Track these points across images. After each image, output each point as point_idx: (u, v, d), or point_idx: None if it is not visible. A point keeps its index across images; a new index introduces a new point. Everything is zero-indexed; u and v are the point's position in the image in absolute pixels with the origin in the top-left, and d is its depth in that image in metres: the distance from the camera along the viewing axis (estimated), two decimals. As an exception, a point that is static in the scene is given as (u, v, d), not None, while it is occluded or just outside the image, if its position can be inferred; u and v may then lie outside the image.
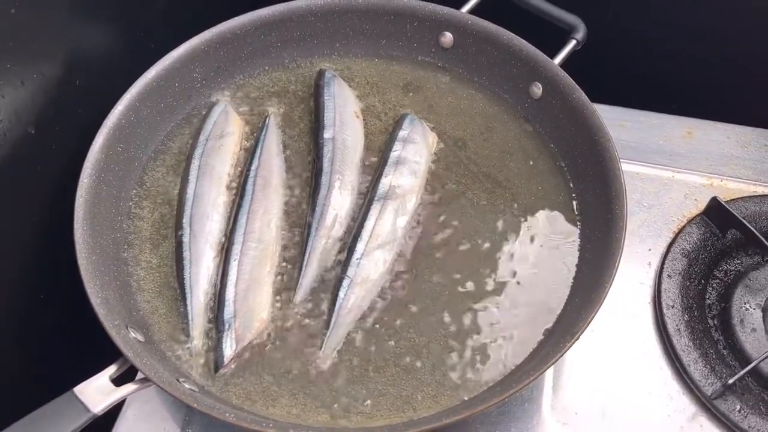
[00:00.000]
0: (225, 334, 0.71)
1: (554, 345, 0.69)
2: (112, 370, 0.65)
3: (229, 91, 0.91)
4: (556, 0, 0.93)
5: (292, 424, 0.67)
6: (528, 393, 0.78)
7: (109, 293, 0.71)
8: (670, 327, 0.81)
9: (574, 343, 0.66)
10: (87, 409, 0.62)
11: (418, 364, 0.72)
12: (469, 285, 0.76)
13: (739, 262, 0.88)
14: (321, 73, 0.92)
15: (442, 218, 0.81)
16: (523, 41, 0.87)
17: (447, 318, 0.74)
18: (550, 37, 0.90)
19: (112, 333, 0.65)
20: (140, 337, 0.70)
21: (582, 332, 0.66)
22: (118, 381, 0.66)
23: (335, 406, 0.69)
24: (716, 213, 0.88)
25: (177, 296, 0.75)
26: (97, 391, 0.63)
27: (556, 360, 0.66)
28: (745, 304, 0.83)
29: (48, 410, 0.61)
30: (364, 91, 0.92)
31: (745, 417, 0.75)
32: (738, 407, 0.76)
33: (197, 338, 0.72)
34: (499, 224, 0.81)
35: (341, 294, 0.74)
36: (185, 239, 0.77)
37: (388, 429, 0.66)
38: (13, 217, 0.75)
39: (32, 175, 0.76)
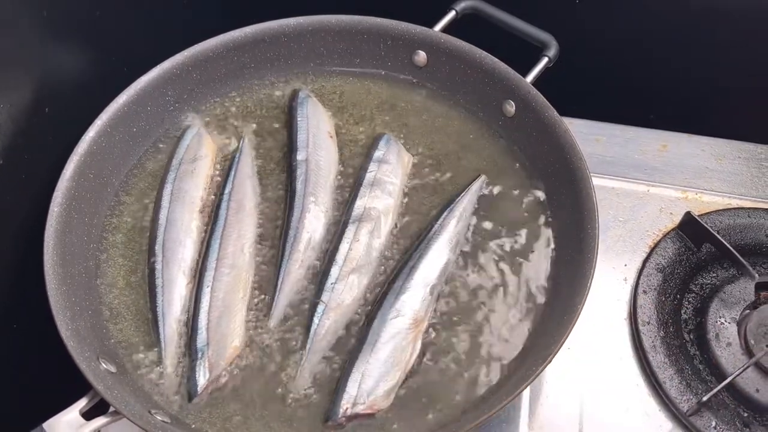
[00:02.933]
0: (198, 362, 0.71)
1: (527, 368, 0.69)
2: (82, 403, 0.65)
3: (203, 114, 0.91)
4: (529, 18, 0.93)
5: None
6: (505, 413, 0.78)
7: (80, 324, 0.70)
8: (646, 343, 0.82)
9: (546, 365, 0.66)
10: (56, 445, 0.61)
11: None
12: (443, 307, 0.76)
13: (714, 275, 0.88)
14: (295, 94, 0.91)
15: (417, 240, 0.81)
16: (496, 59, 0.88)
17: (420, 340, 0.73)
18: (523, 54, 0.90)
19: (83, 366, 0.65)
20: (112, 368, 0.69)
21: (554, 355, 0.66)
22: (90, 413, 0.65)
23: (310, 433, 0.69)
24: (690, 227, 0.89)
25: (150, 324, 0.74)
26: (67, 426, 0.63)
27: (529, 383, 0.66)
28: (720, 318, 0.83)
29: (16, 447, 0.60)
30: (338, 111, 0.92)
31: (721, 433, 0.76)
32: (713, 423, 0.76)
33: (170, 367, 0.72)
34: (473, 243, 0.81)
35: (316, 320, 0.73)
36: (158, 266, 0.77)
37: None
38: (-18, 248, 0.74)
39: (1, 206, 0.75)
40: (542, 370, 0.67)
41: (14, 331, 0.79)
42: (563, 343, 0.68)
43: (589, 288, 0.70)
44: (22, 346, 0.80)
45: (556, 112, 0.83)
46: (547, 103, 0.84)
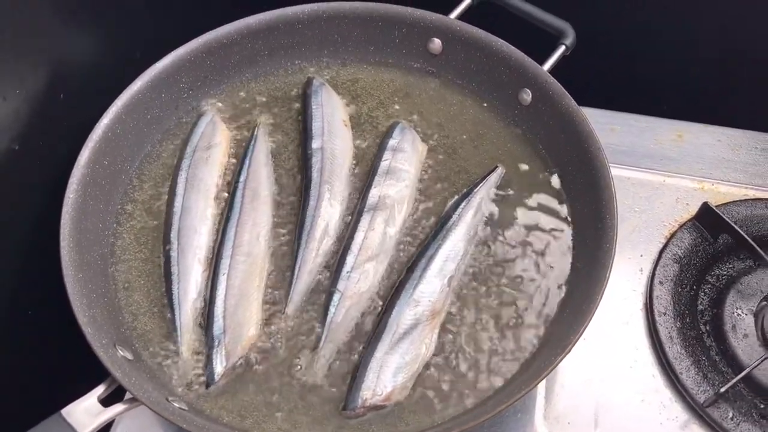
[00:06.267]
0: (215, 350, 0.71)
1: (545, 358, 0.68)
2: (100, 390, 0.65)
3: (217, 101, 0.90)
4: (545, 5, 0.92)
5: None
6: (520, 403, 0.78)
7: (97, 311, 0.70)
8: (663, 334, 0.81)
9: (564, 356, 0.66)
10: (75, 432, 0.61)
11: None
12: (459, 298, 0.75)
13: (730, 266, 0.88)
14: (309, 82, 0.91)
15: (434, 230, 0.80)
16: (512, 47, 0.87)
17: (437, 331, 0.73)
18: (540, 43, 0.90)
19: (100, 352, 0.65)
20: (129, 355, 0.69)
21: (573, 345, 0.66)
22: (107, 401, 0.65)
23: (327, 421, 0.69)
24: (707, 218, 0.88)
25: (166, 312, 0.74)
26: (85, 413, 0.63)
27: (548, 373, 0.65)
28: (737, 309, 0.83)
29: (35, 434, 0.60)
30: (352, 99, 0.91)
31: (738, 425, 0.75)
32: (730, 414, 0.76)
33: (187, 354, 0.72)
34: (490, 233, 0.80)
35: (332, 308, 0.73)
36: (173, 253, 0.77)
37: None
38: (-2, 235, 0.74)
39: (16, 192, 0.75)
40: (560, 361, 0.66)
41: (30, 317, 0.79)
42: (582, 333, 0.67)
43: (608, 279, 0.70)
44: (39, 333, 0.80)
45: (573, 101, 0.82)
46: (565, 91, 0.83)
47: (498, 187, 0.83)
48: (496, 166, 0.84)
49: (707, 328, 0.83)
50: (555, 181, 0.84)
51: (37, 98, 0.76)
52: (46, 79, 0.77)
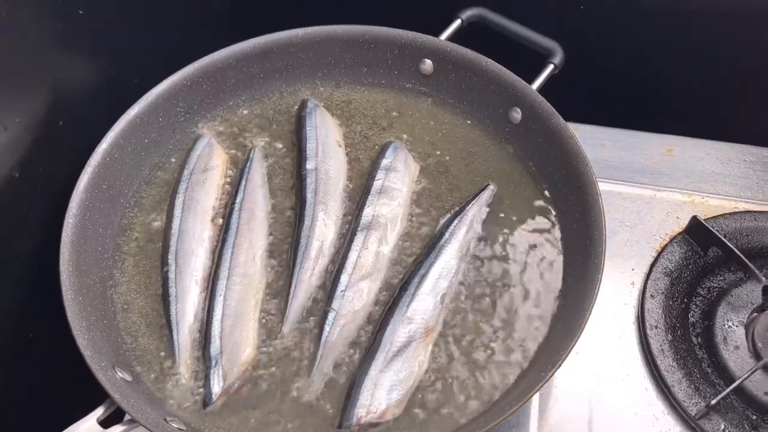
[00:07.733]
0: (212, 370, 0.72)
1: (538, 372, 0.69)
2: (99, 412, 0.66)
3: (213, 124, 0.92)
4: (533, 25, 0.94)
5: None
6: (515, 418, 0.79)
7: (96, 333, 0.71)
8: (654, 347, 0.82)
9: (555, 371, 0.67)
10: (75, 454, 0.62)
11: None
12: (451, 315, 0.77)
13: (721, 279, 0.89)
14: (303, 104, 0.93)
15: (426, 248, 0.82)
16: (501, 67, 0.89)
17: (431, 348, 0.74)
18: (529, 62, 0.91)
19: (99, 375, 0.66)
20: (127, 377, 0.70)
21: (563, 360, 0.67)
22: (106, 422, 0.66)
23: (323, 439, 0.70)
24: (697, 231, 0.89)
25: (164, 333, 0.76)
26: (84, 435, 0.64)
27: (539, 389, 0.66)
28: (727, 321, 0.84)
29: (36, 456, 0.62)
30: (346, 120, 0.93)
31: (730, 436, 0.76)
32: (722, 426, 0.77)
33: (184, 375, 0.73)
34: (482, 251, 0.82)
35: (327, 327, 0.75)
36: (171, 275, 0.78)
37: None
38: (0, 259, 0.76)
39: (17, 218, 0.77)
40: (551, 376, 0.67)
41: (30, 340, 0.80)
42: (572, 348, 0.68)
43: (597, 294, 0.71)
44: (38, 356, 0.82)
45: (562, 119, 0.84)
46: (553, 110, 0.85)
47: (489, 205, 0.85)
48: (488, 184, 0.86)
49: (699, 340, 0.85)
50: (545, 197, 0.85)
51: (37, 126, 0.77)
52: (45, 106, 0.79)
